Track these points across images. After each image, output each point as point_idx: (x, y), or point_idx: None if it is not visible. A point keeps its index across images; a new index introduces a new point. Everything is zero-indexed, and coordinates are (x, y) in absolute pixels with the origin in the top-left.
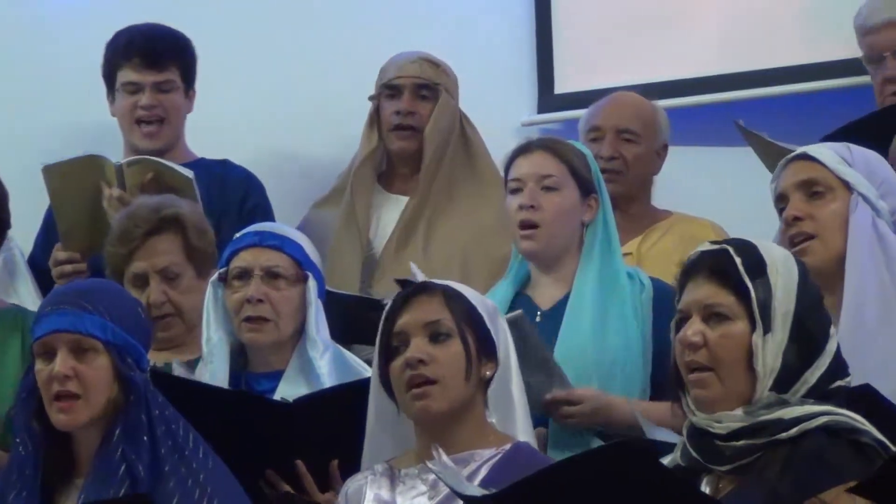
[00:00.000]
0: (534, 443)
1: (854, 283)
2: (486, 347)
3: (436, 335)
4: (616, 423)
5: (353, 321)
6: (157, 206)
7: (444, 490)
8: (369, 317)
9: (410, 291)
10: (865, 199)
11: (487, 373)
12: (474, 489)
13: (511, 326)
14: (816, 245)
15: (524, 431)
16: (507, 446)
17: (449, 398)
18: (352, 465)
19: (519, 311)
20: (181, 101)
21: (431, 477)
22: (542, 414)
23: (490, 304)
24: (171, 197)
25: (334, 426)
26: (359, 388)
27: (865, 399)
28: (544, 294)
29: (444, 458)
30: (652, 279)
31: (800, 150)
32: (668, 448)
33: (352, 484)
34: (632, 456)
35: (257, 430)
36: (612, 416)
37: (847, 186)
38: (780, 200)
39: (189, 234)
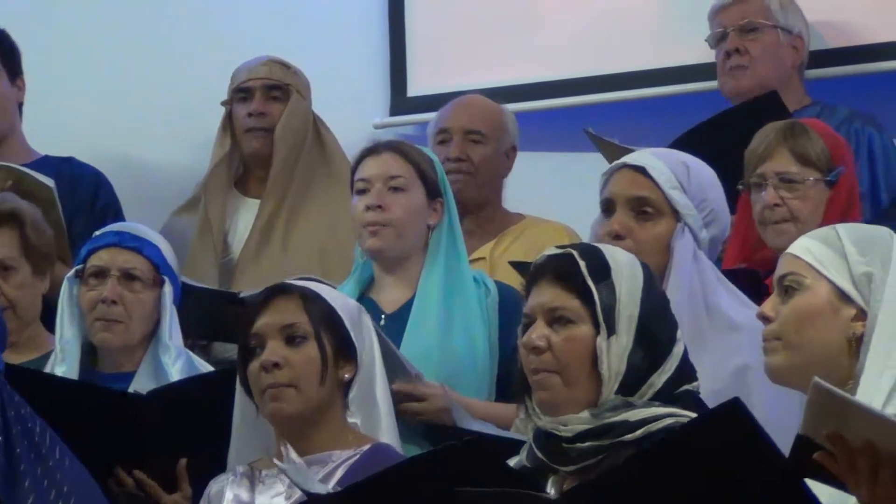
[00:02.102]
0: (397, 444)
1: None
2: (344, 349)
3: (292, 338)
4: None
5: (211, 316)
6: None
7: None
8: (227, 311)
9: (269, 293)
10: (690, 228)
11: (346, 375)
12: (319, 487)
13: None
14: None
15: (388, 433)
16: (366, 447)
17: (303, 401)
18: (217, 464)
19: (356, 304)
20: (7, 88)
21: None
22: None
23: (353, 304)
24: (10, 194)
25: (190, 420)
26: (213, 380)
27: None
28: (389, 297)
29: (293, 455)
30: (498, 284)
31: (639, 157)
32: (514, 448)
33: (215, 485)
34: (474, 455)
35: (108, 423)
36: (460, 415)
37: (675, 212)
38: (607, 203)
39: (27, 231)
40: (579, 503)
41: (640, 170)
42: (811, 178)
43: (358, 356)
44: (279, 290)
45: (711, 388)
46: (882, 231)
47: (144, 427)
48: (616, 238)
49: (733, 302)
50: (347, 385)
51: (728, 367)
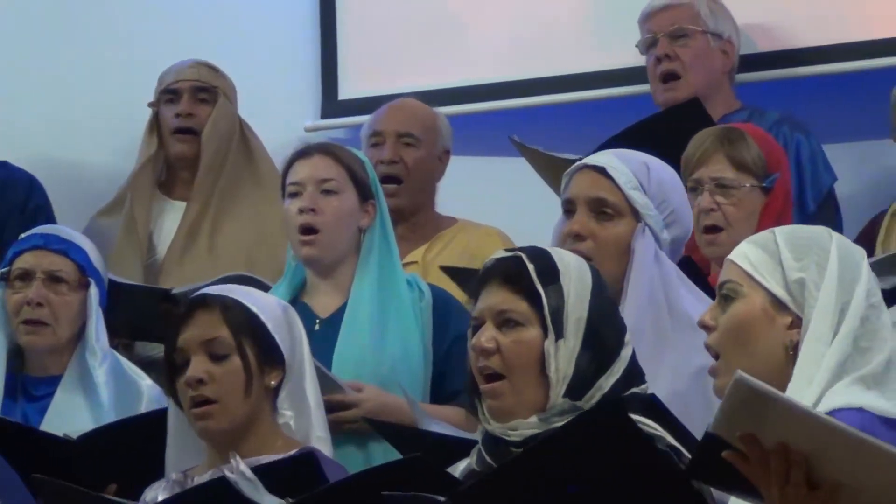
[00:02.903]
0: (328, 440)
1: (632, 316)
2: (269, 356)
3: (214, 354)
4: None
5: (140, 314)
6: None
7: None
8: (159, 309)
9: (190, 306)
10: (651, 229)
11: (272, 382)
12: (270, 499)
13: None
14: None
15: (319, 427)
16: (293, 452)
17: (229, 416)
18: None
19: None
20: None
21: None
22: None
23: (276, 304)
24: None
25: (123, 461)
26: (147, 421)
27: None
28: (322, 301)
29: (242, 466)
30: (431, 287)
31: (600, 158)
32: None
33: (150, 492)
34: (426, 469)
35: (38, 466)
36: (392, 418)
37: (636, 213)
38: (568, 203)
39: None
40: (468, 502)
41: (601, 170)
42: (747, 185)
43: (285, 359)
44: (200, 303)
45: (673, 388)
46: (820, 232)
47: (76, 469)
48: (577, 238)
49: (695, 301)
50: (276, 390)
51: (690, 366)
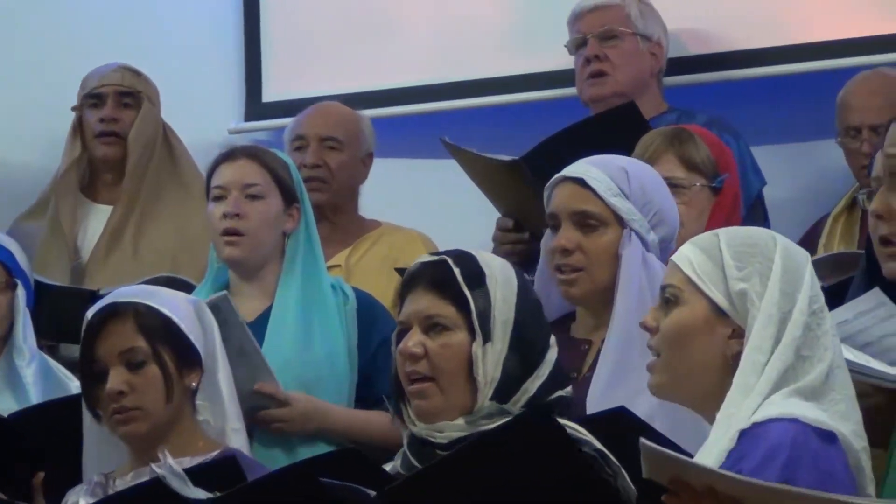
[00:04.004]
0: (243, 430)
1: (621, 321)
2: (187, 359)
3: (131, 363)
4: (331, 431)
5: (67, 315)
6: None
7: None
8: (84, 310)
9: (103, 316)
10: (636, 233)
11: (192, 384)
12: (198, 493)
13: (213, 310)
14: (583, 277)
15: (234, 418)
16: (215, 453)
17: (152, 421)
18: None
19: (223, 293)
20: None
21: None
22: (247, 415)
23: (187, 302)
24: None
25: (48, 440)
26: (68, 405)
27: (620, 421)
28: (246, 305)
29: (171, 461)
30: (356, 290)
31: (577, 169)
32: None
33: (71, 496)
34: (351, 465)
35: None
36: (326, 422)
37: (620, 219)
38: (553, 218)
39: None
40: (397, 499)
41: (580, 181)
42: (697, 184)
43: (202, 360)
44: (112, 313)
45: None
46: (765, 238)
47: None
48: (565, 253)
49: None
50: (195, 390)
51: None
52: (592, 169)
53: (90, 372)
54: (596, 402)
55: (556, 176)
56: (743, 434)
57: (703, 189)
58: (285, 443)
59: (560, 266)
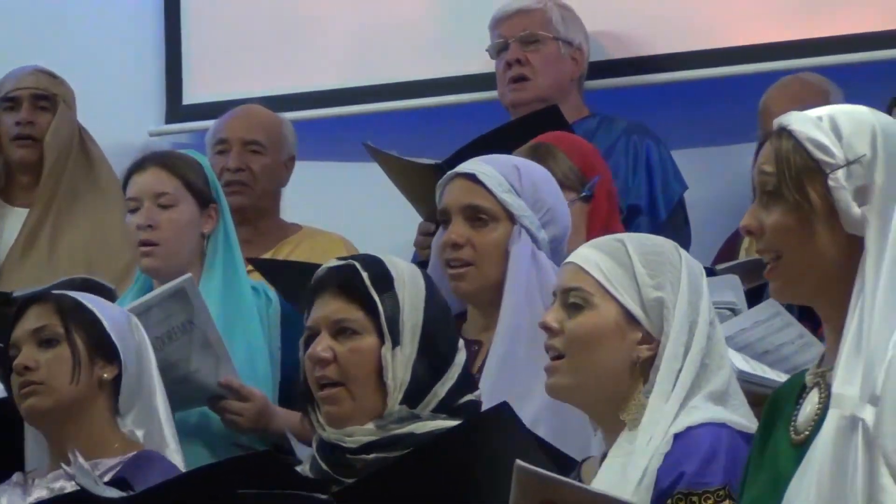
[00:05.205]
0: (180, 454)
1: (509, 316)
2: (102, 349)
3: (42, 340)
4: (273, 432)
5: None
6: None
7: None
8: None
9: (24, 302)
10: (527, 230)
11: (105, 375)
12: (108, 491)
13: (180, 292)
14: (473, 272)
15: (172, 440)
16: (131, 454)
17: (54, 398)
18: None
19: (188, 276)
20: None
21: (57, 485)
22: (210, 405)
23: (120, 312)
24: None
25: None
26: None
27: (501, 417)
28: None
29: (81, 460)
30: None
31: (469, 165)
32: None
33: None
34: (269, 466)
35: None
36: (271, 423)
37: (511, 216)
38: (443, 214)
39: None
40: (353, 499)
41: (471, 177)
42: (567, 201)
43: (122, 358)
44: (35, 299)
45: None
46: (669, 248)
47: None
48: (455, 247)
49: None
50: (115, 389)
51: None
52: (484, 165)
53: (10, 359)
54: (486, 399)
55: (449, 173)
56: (677, 438)
57: (574, 203)
58: (211, 447)
59: (450, 261)
